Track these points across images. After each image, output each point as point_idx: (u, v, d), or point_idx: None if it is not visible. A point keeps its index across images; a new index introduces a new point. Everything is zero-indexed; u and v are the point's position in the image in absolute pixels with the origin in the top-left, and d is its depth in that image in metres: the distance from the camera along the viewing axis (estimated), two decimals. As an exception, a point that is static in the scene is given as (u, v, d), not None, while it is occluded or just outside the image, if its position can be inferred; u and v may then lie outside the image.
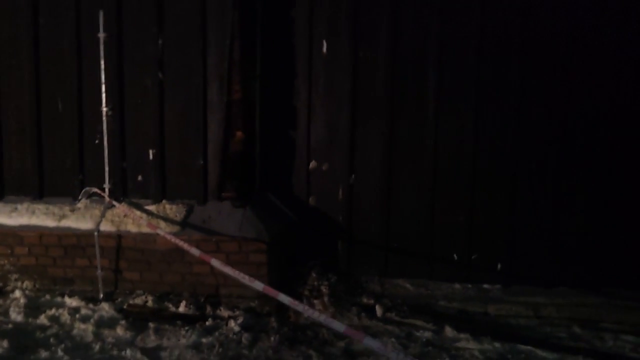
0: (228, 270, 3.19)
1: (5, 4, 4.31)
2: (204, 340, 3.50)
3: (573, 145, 4.35)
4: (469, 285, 4.54)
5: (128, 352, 3.32)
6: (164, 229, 4.12)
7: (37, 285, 4.33)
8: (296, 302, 2.73)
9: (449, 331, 3.76)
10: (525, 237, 4.46)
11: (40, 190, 4.43)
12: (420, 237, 4.56)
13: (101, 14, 4.15)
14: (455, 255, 4.56)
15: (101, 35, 4.16)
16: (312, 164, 4.62)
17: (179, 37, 4.18)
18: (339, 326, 2.50)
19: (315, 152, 4.61)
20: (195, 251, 3.51)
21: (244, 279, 3.08)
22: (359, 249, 4.62)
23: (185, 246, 3.56)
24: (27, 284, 4.33)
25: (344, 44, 4.47)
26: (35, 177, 4.41)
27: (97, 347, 3.39)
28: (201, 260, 3.75)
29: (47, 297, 4.18)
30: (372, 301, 4.22)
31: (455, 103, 4.43)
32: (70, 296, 4.16)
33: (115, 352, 3.34)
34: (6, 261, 4.36)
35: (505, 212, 4.46)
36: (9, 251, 4.36)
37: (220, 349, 3.40)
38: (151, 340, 3.50)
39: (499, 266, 4.51)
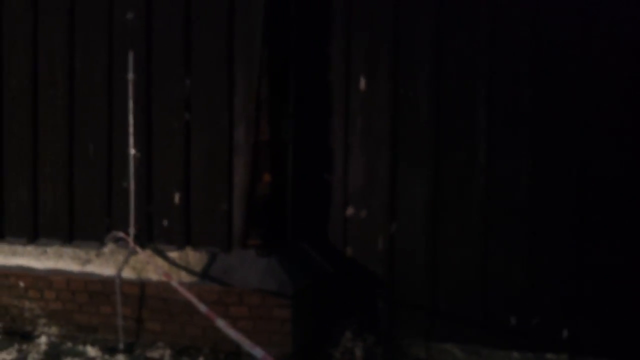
0: (231, 332, 2.87)
1: (44, 46, 4.36)
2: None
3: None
4: (530, 354, 3.90)
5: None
6: (183, 279, 3.88)
7: (62, 332, 4.22)
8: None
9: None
10: (598, 300, 3.78)
11: (70, 233, 4.36)
12: (472, 296, 4.00)
13: (131, 55, 4.09)
14: (512, 319, 3.95)
15: (130, 76, 4.09)
16: (349, 211, 4.23)
17: (206, 77, 4.02)
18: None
19: (353, 197, 4.22)
20: (203, 307, 3.21)
21: (245, 343, 2.74)
22: (400, 306, 4.12)
23: (194, 300, 3.28)
24: (54, 329, 4.24)
25: (383, 80, 4.12)
26: (66, 221, 4.36)
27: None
28: (222, 314, 3.46)
29: (70, 344, 4.07)
30: (413, 369, 3.71)
31: (508, 144, 3.91)
32: (92, 345, 4.02)
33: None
34: (36, 305, 4.29)
35: (572, 269, 3.82)
36: (39, 295, 4.30)
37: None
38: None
39: (565, 333, 3.85)
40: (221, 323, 3.00)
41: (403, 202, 4.12)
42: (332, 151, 4.23)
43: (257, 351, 2.63)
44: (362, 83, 4.17)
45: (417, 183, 4.08)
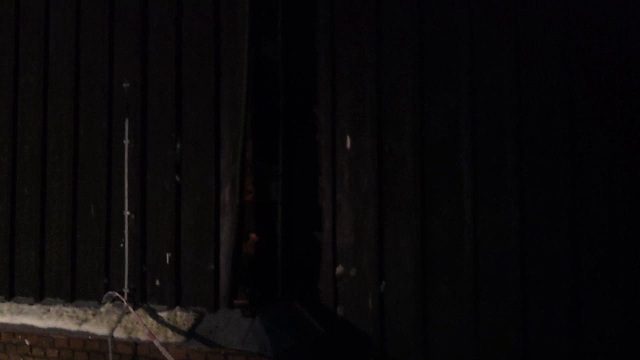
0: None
1: (54, 116, 4.67)
2: None
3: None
4: None
5: None
6: (171, 339, 3.93)
7: (63, 391, 4.32)
8: None
9: None
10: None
11: (72, 292, 4.52)
12: (464, 355, 3.84)
13: (127, 121, 4.30)
14: (509, 383, 3.74)
15: (126, 142, 4.29)
16: (339, 269, 4.20)
17: (195, 141, 4.18)
18: None
19: (342, 255, 4.19)
20: (174, 368, 3.23)
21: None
22: (392, 367, 4.00)
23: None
24: (55, 388, 4.35)
25: (368, 139, 4.14)
26: (68, 280, 4.52)
27: None
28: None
29: (66, 405, 4.14)
30: None
31: (495, 198, 3.81)
32: (87, 406, 4.10)
33: None
34: (39, 364, 4.44)
35: (569, 327, 3.61)
36: (43, 353, 4.44)
37: None
38: None
39: (565, 402, 3.61)
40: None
41: (391, 260, 4.05)
42: (321, 209, 4.25)
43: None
44: (348, 142, 4.21)
45: (405, 239, 4.02)
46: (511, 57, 3.82)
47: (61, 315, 4.40)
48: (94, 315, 4.31)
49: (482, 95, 3.89)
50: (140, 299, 4.28)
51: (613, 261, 3.58)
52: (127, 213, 4.27)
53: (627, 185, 3.59)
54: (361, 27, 4.18)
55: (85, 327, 4.25)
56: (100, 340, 4.18)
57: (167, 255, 4.19)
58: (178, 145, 4.23)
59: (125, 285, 4.24)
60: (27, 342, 4.49)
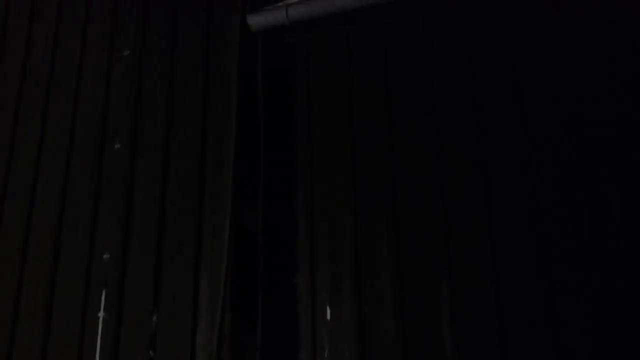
0: None
1: (30, 285, 4.59)
2: None
3: None
4: None
5: None
6: None
7: None
8: None
9: None
10: None
11: None
12: None
13: (104, 293, 4.24)
14: None
15: (101, 314, 4.19)
16: None
17: (173, 313, 4.09)
18: None
19: None
20: None
21: None
22: None
23: None
24: None
25: (348, 305, 4.10)
26: None
27: None
28: None
29: None
30: None
31: (474, 339, 3.71)
32: None
33: None
34: None
35: None
36: None
37: None
38: None
39: None
40: None
41: None
42: (301, 385, 4.07)
43: None
44: (328, 312, 4.15)
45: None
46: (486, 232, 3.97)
47: None
48: None
49: (457, 237, 3.94)
50: None
51: None
52: (95, 393, 4.04)
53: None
54: (340, 200, 4.35)
55: None
56: None
57: None
58: (154, 318, 4.13)
59: None
60: None
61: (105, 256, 4.35)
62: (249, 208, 4.40)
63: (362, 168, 4.38)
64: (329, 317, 4.16)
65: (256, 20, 4.58)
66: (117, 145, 4.65)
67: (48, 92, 5.13)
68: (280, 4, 4.64)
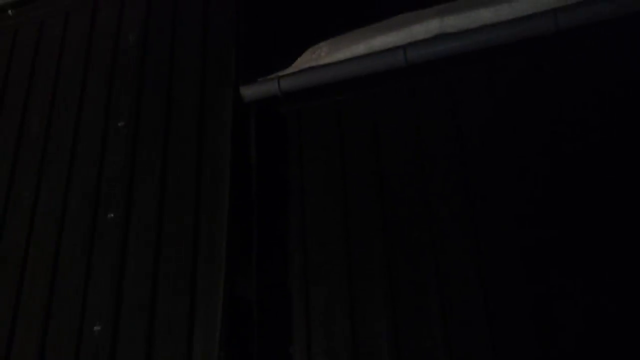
0: None
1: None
2: None
3: None
4: None
5: None
6: None
7: None
8: None
9: None
10: None
11: None
12: None
13: (94, 367, 4.16)
14: None
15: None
16: None
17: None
18: None
19: None
20: None
21: None
22: None
23: None
24: None
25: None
26: None
27: None
28: None
29: None
30: None
31: None
32: None
33: None
34: None
35: None
36: None
37: None
38: None
39: None
40: None
41: None
42: None
43: None
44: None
45: None
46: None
47: None
48: None
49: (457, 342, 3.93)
50: None
51: None
52: None
53: None
54: (333, 267, 4.36)
55: None
56: None
57: None
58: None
59: None
60: None
61: (97, 328, 4.28)
62: (243, 275, 4.39)
63: (356, 234, 4.40)
64: (326, 394, 4.09)
65: (249, 92, 4.72)
66: (111, 215, 4.66)
67: (42, 162, 5.18)
68: (272, 75, 4.79)
